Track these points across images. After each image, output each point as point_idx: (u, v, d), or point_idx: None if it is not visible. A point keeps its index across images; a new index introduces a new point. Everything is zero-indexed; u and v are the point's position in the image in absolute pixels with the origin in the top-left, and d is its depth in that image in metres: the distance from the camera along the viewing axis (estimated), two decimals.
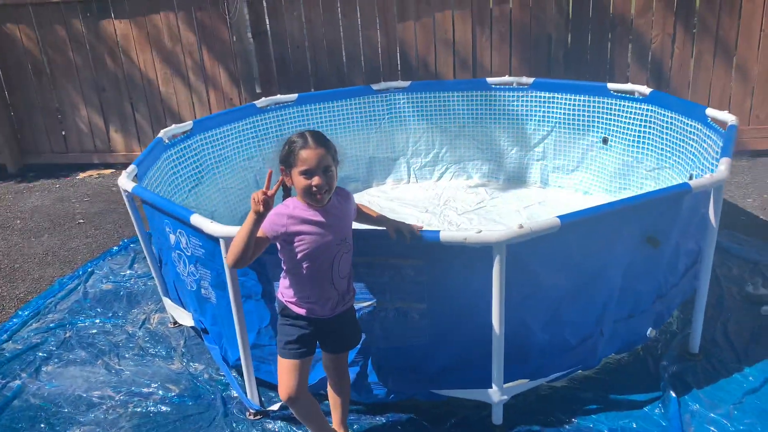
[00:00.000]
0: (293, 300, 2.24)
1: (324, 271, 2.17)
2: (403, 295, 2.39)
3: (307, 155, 2.08)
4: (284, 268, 2.23)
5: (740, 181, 4.89)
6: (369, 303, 2.44)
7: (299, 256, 2.15)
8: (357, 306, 2.43)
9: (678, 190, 2.48)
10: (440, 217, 4.58)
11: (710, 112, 3.52)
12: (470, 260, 2.23)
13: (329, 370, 2.43)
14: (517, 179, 5.08)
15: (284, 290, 2.26)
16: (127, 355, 3.25)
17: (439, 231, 2.20)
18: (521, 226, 2.12)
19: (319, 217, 2.15)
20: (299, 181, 2.11)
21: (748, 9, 4.99)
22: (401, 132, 5.17)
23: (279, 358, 2.27)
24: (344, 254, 2.21)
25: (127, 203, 3.15)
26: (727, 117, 3.34)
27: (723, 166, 2.66)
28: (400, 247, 2.26)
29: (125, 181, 2.99)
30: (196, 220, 2.51)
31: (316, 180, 2.09)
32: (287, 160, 2.14)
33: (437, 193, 5.02)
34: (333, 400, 2.47)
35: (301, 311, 2.23)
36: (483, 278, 2.21)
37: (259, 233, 2.13)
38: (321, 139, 2.14)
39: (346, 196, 2.30)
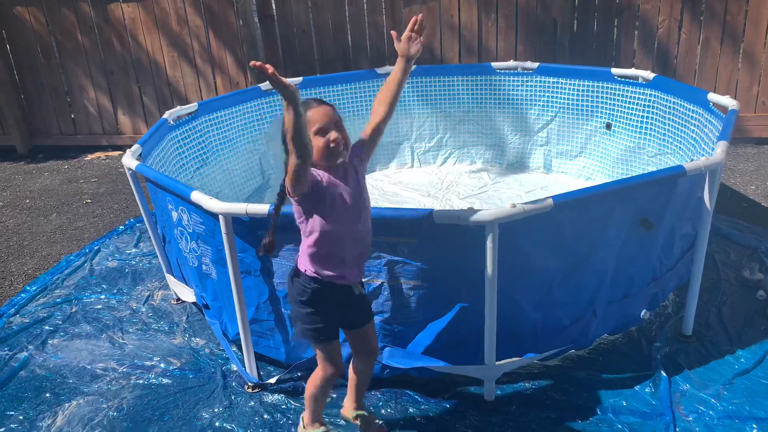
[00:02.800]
0: (327, 267, 2.11)
1: (353, 225, 2.11)
2: (398, 272, 2.43)
3: (316, 113, 2.02)
4: (311, 234, 2.10)
5: (744, 168, 4.88)
6: (365, 280, 2.48)
7: (331, 210, 2.06)
8: None
9: (672, 172, 2.50)
10: (443, 201, 4.61)
11: (712, 96, 3.51)
12: (463, 238, 2.27)
13: (358, 348, 2.33)
14: (520, 164, 5.09)
15: (311, 260, 2.13)
16: (130, 330, 3.33)
17: (432, 209, 2.23)
18: (514, 205, 2.15)
19: (340, 176, 2.09)
20: (316, 142, 2.01)
21: None
22: (405, 117, 5.19)
23: (315, 349, 2.23)
24: (365, 210, 2.16)
25: (131, 182, 3.21)
26: (729, 102, 3.35)
27: (719, 149, 2.67)
28: (395, 225, 2.30)
29: (129, 160, 3.05)
30: (196, 196, 2.56)
31: (333, 135, 2.02)
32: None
33: (440, 177, 5.05)
34: (359, 376, 2.40)
35: (333, 274, 2.11)
36: (476, 256, 2.24)
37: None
38: (323, 101, 2.11)
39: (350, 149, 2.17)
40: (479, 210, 2.18)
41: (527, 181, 4.87)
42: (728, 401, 2.54)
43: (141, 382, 2.90)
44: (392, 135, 5.20)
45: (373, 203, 4.94)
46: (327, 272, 2.13)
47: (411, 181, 5.02)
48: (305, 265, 2.16)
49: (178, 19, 5.93)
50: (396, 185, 4.94)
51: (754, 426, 2.41)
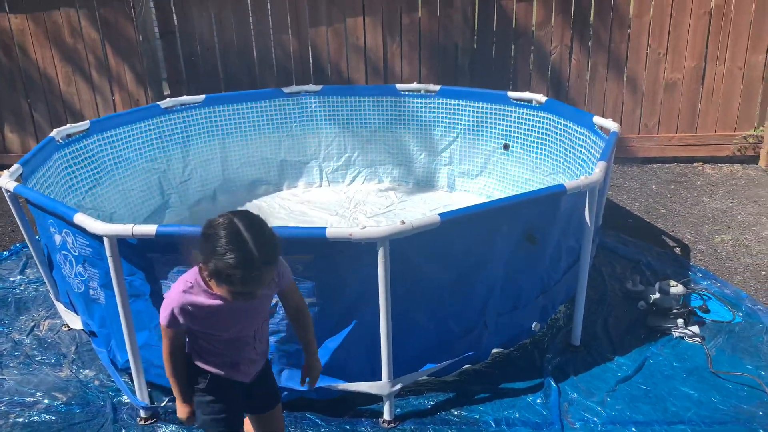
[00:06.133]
0: (214, 366, 1.97)
1: (244, 340, 1.94)
2: None
3: (252, 286, 1.72)
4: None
5: (630, 186, 5.23)
6: None
7: (210, 325, 1.87)
8: None
9: (554, 191, 2.64)
10: (350, 220, 4.63)
11: (597, 119, 3.76)
12: (357, 255, 2.29)
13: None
14: (425, 183, 5.21)
15: (195, 354, 1.97)
16: (11, 364, 3.10)
17: (325, 228, 2.24)
18: (403, 222, 2.20)
19: (229, 303, 1.81)
20: (224, 293, 1.75)
21: (636, 26, 5.36)
22: (313, 135, 5.19)
23: None
24: (264, 323, 1.99)
25: (10, 204, 3.01)
26: (610, 124, 3.59)
27: (598, 169, 2.85)
28: (290, 243, 2.28)
29: (6, 180, 2.87)
30: (80, 218, 2.44)
31: (244, 299, 1.78)
32: (220, 276, 1.71)
33: (348, 196, 5.07)
34: None
35: (222, 373, 1.96)
36: (369, 272, 2.27)
37: (165, 325, 1.87)
38: (270, 258, 1.70)
39: (281, 275, 1.93)
40: (370, 227, 2.21)
41: (432, 199, 4.98)
42: (611, 407, 2.69)
43: (21, 420, 2.72)
44: (300, 154, 5.19)
45: (280, 223, 4.89)
46: (215, 370, 1.97)
47: (319, 200, 5.01)
48: (193, 356, 1.99)
49: (71, 31, 5.66)
50: (304, 204, 4.92)
51: (633, 429, 2.56)
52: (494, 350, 2.97)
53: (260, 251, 1.67)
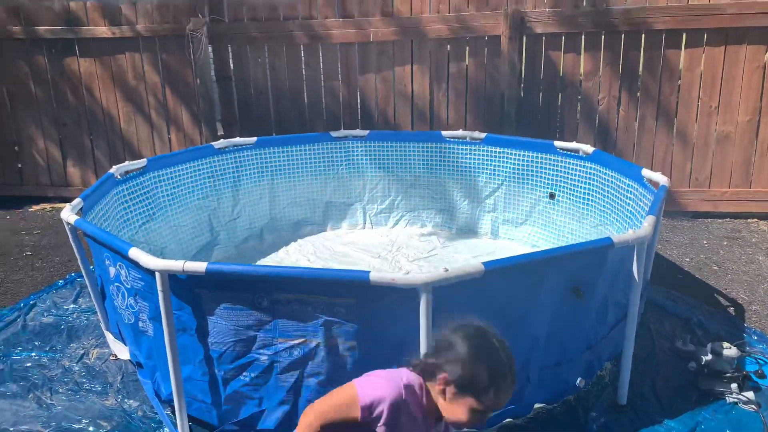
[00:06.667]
0: None
1: None
2: (335, 333, 2.43)
3: (502, 398, 1.65)
4: None
5: (680, 240, 5.10)
6: (302, 340, 2.47)
7: None
8: (290, 343, 2.46)
9: (600, 244, 2.61)
10: (392, 263, 4.65)
11: (645, 172, 3.71)
12: (398, 300, 2.30)
13: None
14: (468, 229, 5.20)
15: None
16: (60, 390, 3.19)
17: (369, 271, 2.27)
18: (446, 270, 2.21)
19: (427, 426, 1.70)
20: (459, 412, 1.64)
21: (687, 78, 5.32)
22: (358, 178, 5.29)
23: None
24: None
25: (69, 236, 3.15)
26: (660, 178, 3.54)
27: (647, 223, 2.81)
28: (332, 285, 2.32)
29: (68, 214, 3.01)
30: (134, 253, 2.53)
31: (479, 421, 1.67)
32: (472, 386, 1.63)
33: (391, 239, 5.11)
34: None
35: None
36: (410, 318, 2.27)
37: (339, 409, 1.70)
38: (514, 367, 1.69)
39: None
40: (413, 273, 2.23)
41: (475, 246, 4.97)
42: None
43: None
44: (345, 196, 5.28)
45: (323, 263, 4.96)
46: None
47: (362, 241, 5.06)
48: None
49: (135, 74, 5.98)
50: (347, 245, 4.97)
51: None
52: (537, 405, 2.89)
53: (508, 359, 1.66)
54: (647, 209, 3.50)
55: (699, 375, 3.19)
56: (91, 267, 3.35)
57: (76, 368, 3.38)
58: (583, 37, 5.37)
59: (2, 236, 5.46)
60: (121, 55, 5.94)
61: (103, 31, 5.85)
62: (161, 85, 5.97)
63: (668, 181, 3.48)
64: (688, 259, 4.74)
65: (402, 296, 2.29)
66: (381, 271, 2.26)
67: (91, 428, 2.89)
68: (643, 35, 5.29)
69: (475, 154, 5.03)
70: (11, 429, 2.86)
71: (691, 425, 2.85)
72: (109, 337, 3.39)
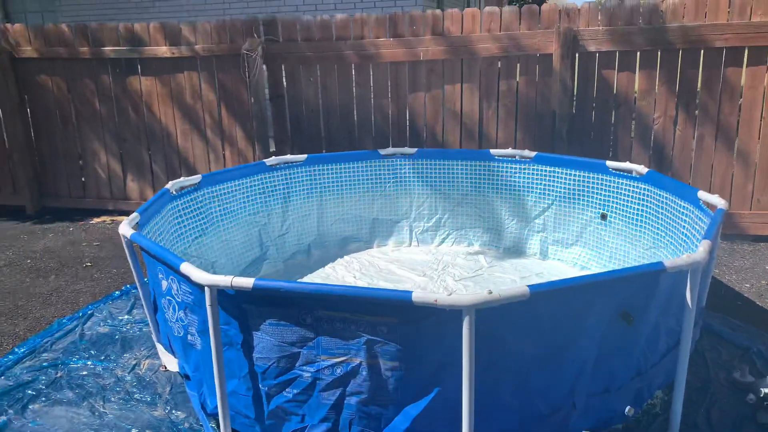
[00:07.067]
0: None
1: None
2: (377, 352, 2.43)
3: None
4: None
5: (740, 265, 4.89)
6: (344, 358, 2.48)
7: None
8: (332, 361, 2.48)
9: (652, 268, 2.53)
10: (437, 282, 4.63)
11: (702, 195, 3.59)
12: (441, 321, 2.28)
13: None
14: (516, 249, 5.13)
15: None
16: (112, 399, 3.29)
17: (411, 291, 2.27)
18: (490, 292, 2.18)
19: None
20: None
21: (748, 97, 5.13)
22: (405, 196, 5.31)
23: None
24: None
25: (126, 249, 3.28)
26: (717, 201, 3.41)
27: (702, 248, 2.71)
28: (375, 304, 2.33)
29: (125, 228, 3.13)
30: (185, 268, 2.61)
31: None
32: None
33: (437, 257, 5.09)
34: None
35: None
36: (453, 340, 2.25)
37: None
38: None
39: None
40: (457, 295, 2.21)
41: (523, 266, 4.89)
42: None
43: None
44: (391, 213, 5.30)
45: (368, 281, 4.98)
46: None
47: (408, 259, 5.06)
48: None
49: (192, 93, 6.20)
50: (392, 263, 4.98)
51: None
52: None
53: None
54: (703, 233, 3.38)
55: (758, 408, 3.04)
56: (145, 279, 3.47)
57: (128, 378, 3.49)
58: (638, 54, 5.26)
59: (65, 248, 5.72)
60: (180, 74, 6.17)
61: (163, 51, 6.10)
62: (217, 103, 6.17)
63: (726, 204, 3.36)
64: (748, 285, 4.53)
65: (445, 317, 2.27)
66: (424, 291, 2.25)
67: None
68: (702, 52, 5.14)
69: (524, 173, 4.97)
70: None
71: None
72: (160, 348, 3.50)
